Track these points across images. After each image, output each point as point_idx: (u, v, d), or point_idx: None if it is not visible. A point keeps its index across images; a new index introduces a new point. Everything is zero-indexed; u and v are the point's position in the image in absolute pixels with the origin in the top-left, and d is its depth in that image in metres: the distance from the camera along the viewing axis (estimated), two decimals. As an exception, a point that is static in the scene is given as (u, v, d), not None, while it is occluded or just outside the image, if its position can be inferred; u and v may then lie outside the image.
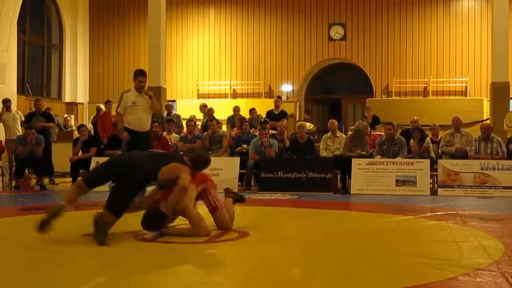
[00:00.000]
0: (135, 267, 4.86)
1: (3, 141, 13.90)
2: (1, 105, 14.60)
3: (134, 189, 6.18)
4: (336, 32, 20.61)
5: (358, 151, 12.00)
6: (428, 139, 12.34)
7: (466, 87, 19.62)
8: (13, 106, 15.41)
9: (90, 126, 15.84)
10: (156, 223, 6.19)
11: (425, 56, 19.97)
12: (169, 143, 12.78)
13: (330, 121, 13.32)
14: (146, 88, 10.18)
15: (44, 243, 6.03)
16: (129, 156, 6.79)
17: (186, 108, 19.17)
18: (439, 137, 12.84)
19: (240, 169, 12.25)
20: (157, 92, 16.47)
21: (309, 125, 14.87)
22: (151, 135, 10.60)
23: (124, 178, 6.08)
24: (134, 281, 4.43)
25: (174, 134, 14.07)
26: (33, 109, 14.91)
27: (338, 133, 12.92)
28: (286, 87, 20.96)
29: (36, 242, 6.11)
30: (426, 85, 19.85)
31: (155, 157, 6.67)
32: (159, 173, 6.19)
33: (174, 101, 19.98)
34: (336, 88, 22.62)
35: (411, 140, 12.35)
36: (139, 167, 6.13)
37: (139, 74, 10.02)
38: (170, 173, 6.22)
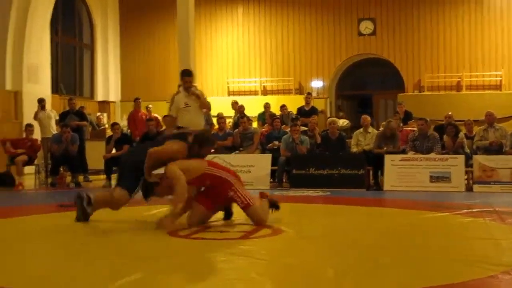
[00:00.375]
0: (170, 262, 4.90)
1: (39, 139, 14.10)
2: (37, 104, 14.84)
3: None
4: (366, 27, 20.49)
5: (385, 148, 11.87)
6: (462, 135, 12.21)
7: (500, 81, 19.33)
8: (48, 105, 15.62)
9: (123, 124, 16.00)
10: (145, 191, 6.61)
11: (458, 50, 19.73)
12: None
13: (362, 116, 13.24)
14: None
15: (80, 237, 6.13)
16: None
17: (216, 105, 19.17)
18: (474, 133, 12.69)
19: (271, 166, 12.25)
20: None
21: (343, 122, 14.81)
22: None
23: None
24: (169, 277, 4.47)
25: (206, 132, 14.10)
26: (67, 108, 15.11)
27: (370, 129, 12.84)
28: (316, 83, 20.90)
29: (74, 236, 6.21)
30: (459, 80, 19.61)
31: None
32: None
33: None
34: (367, 84, 22.50)
35: (445, 136, 12.24)
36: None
37: (184, 75, 9.88)
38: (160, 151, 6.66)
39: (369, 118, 13.13)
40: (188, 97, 9.71)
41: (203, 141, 6.96)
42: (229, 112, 16.93)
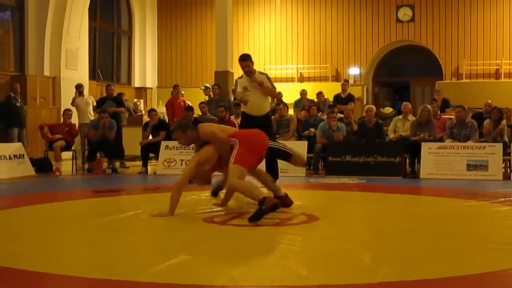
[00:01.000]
0: (206, 249, 4.92)
1: (76, 125, 14.25)
2: (74, 90, 15.03)
3: None
4: (404, 13, 20.27)
5: (422, 135, 11.74)
6: (504, 122, 12.01)
7: (540, 68, 19.01)
8: (85, 91, 15.79)
9: (160, 110, 16.09)
10: None
11: (497, 37, 19.41)
12: (237, 127, 12.82)
13: (404, 103, 13.07)
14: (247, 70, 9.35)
15: (117, 223, 6.20)
16: None
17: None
18: (513, 121, 12.50)
19: (307, 153, 12.22)
20: (224, 77, 16.62)
21: (387, 109, 14.68)
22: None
23: None
24: (206, 263, 4.49)
25: (242, 118, 14.09)
26: (105, 94, 15.25)
27: (410, 117, 12.68)
28: (353, 70, 20.77)
29: (111, 221, 6.29)
30: (498, 67, 19.31)
31: None
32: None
33: (241, 85, 19.98)
34: (404, 71, 22.26)
35: (486, 121, 12.06)
36: None
37: (240, 60, 9.57)
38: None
39: (410, 105, 12.98)
40: (249, 81, 9.42)
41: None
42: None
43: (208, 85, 16.99)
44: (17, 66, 16.88)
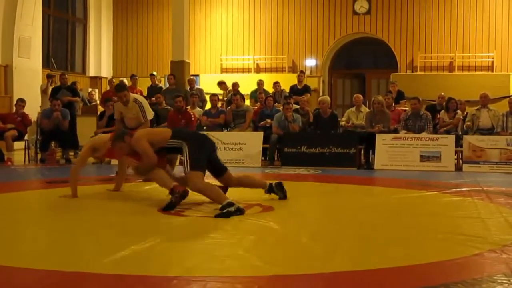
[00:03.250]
0: (160, 239, 4.88)
1: (32, 115, 14.00)
2: (28, 79, 14.81)
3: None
4: (361, 6, 20.42)
5: (377, 127, 11.87)
6: (460, 112, 12.23)
7: (492, 62, 19.36)
8: (38, 80, 15.56)
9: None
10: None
11: (451, 31, 19.71)
12: (193, 118, 12.77)
13: (355, 95, 13.24)
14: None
15: (69, 214, 6.14)
16: None
17: (209, 82, 19.13)
18: (466, 113, 12.72)
19: (263, 143, 12.25)
20: (180, 67, 16.52)
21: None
22: None
23: None
24: (158, 253, 4.47)
25: (198, 109, 14.07)
26: (58, 83, 15.04)
27: (363, 108, 12.83)
28: (310, 62, 20.86)
29: (63, 212, 6.22)
30: (452, 60, 19.62)
31: None
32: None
33: (197, 75, 19.91)
34: (361, 63, 22.44)
35: (441, 112, 12.25)
36: None
37: (116, 90, 9.40)
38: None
39: (361, 97, 13.14)
40: (124, 109, 9.20)
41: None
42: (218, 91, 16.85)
43: (154, 73, 16.87)
44: (-32, 54, 16.53)
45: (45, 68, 18.37)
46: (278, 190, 7.11)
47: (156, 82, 16.46)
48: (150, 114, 9.33)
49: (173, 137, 6.77)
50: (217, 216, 5.95)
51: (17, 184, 9.39)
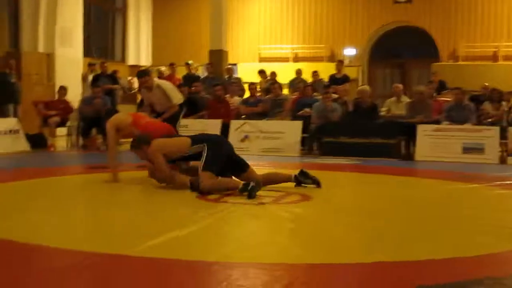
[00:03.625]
0: (199, 225, 4.87)
1: (77, 101, 14.16)
2: (69, 67, 15.01)
3: None
4: (402, -6, 20.16)
5: (418, 118, 11.70)
6: (504, 103, 11.98)
7: (539, 51, 18.92)
8: (79, 69, 15.76)
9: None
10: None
11: (496, 19, 19.30)
12: (232, 106, 12.79)
13: (394, 85, 13.08)
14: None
15: (111, 198, 6.18)
16: None
17: (247, 71, 19.10)
18: (510, 104, 12.47)
19: (302, 133, 12.18)
20: (219, 56, 16.54)
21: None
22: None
23: None
24: (198, 239, 4.47)
25: (236, 98, 14.06)
26: (99, 72, 15.19)
27: (403, 98, 12.66)
28: (349, 51, 20.68)
29: (104, 197, 6.27)
30: (496, 50, 19.22)
31: None
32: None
33: (235, 64, 19.90)
34: (401, 52, 22.16)
35: (486, 103, 12.02)
36: None
37: (137, 77, 9.59)
38: None
39: (401, 86, 12.95)
40: (149, 93, 9.23)
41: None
42: (259, 79, 16.82)
43: (189, 61, 16.83)
44: (12, 43, 16.75)
45: (86, 56, 18.54)
46: (304, 178, 7.05)
47: (192, 70, 16.43)
48: (178, 99, 9.36)
49: (193, 143, 6.81)
50: (242, 192, 6.15)
51: (60, 169, 9.54)
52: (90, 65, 15.29)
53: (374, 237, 4.67)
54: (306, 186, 7.04)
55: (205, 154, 6.61)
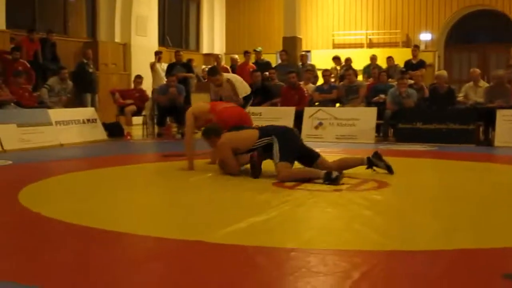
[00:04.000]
0: (276, 212, 4.90)
1: (148, 90, 14.41)
2: (144, 56, 15.26)
3: None
4: (480, -24, 19.61)
5: (497, 102, 11.37)
6: None
7: None
8: (154, 58, 15.99)
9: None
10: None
11: None
12: (306, 94, 12.75)
13: (471, 70, 12.74)
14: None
15: (187, 186, 6.27)
16: None
17: (321, 58, 19.00)
18: None
19: (377, 119, 12.04)
20: (293, 42, 16.49)
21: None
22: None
23: None
24: (276, 226, 4.49)
25: (311, 85, 14.01)
26: (173, 61, 15.39)
27: (481, 83, 12.32)
28: (425, 36, 20.29)
29: (180, 184, 6.37)
30: None
31: None
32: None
33: (309, 51, 19.81)
34: (478, 36, 21.57)
35: None
36: None
37: (208, 75, 9.91)
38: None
39: (478, 71, 12.58)
40: (219, 88, 9.60)
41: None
42: (333, 65, 16.70)
43: (258, 48, 16.78)
44: (89, 33, 17.17)
45: (161, 45, 18.83)
46: (377, 160, 6.98)
47: (262, 57, 16.33)
48: (244, 92, 9.50)
49: (261, 136, 6.84)
50: (328, 183, 6.15)
51: (136, 157, 9.74)
52: (156, 53, 15.46)
53: (455, 223, 4.58)
54: (375, 170, 7.03)
55: (277, 146, 6.64)
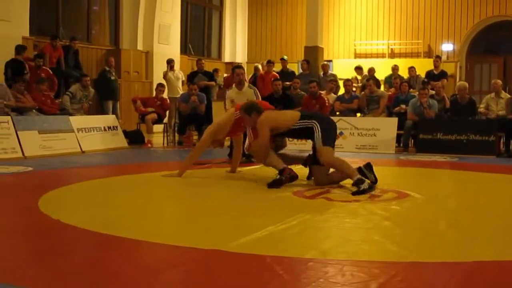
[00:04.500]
0: (295, 222, 4.91)
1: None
2: (166, 64, 15.33)
3: None
4: (503, -13, 19.48)
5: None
6: None
7: None
8: (176, 66, 16.08)
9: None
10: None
11: None
12: (327, 103, 12.73)
13: (493, 81, 12.65)
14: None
15: (208, 193, 6.29)
16: None
17: (343, 68, 18.99)
18: None
19: (398, 129, 12.01)
20: (314, 52, 16.51)
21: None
22: None
23: None
24: (294, 236, 4.50)
25: (332, 94, 14.00)
26: (195, 69, 15.46)
27: (503, 94, 12.24)
28: (447, 46, 20.19)
29: (200, 192, 6.39)
30: None
31: None
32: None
33: (331, 61, 19.81)
34: (500, 48, 21.40)
35: None
36: None
37: (235, 67, 9.78)
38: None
39: (500, 82, 12.48)
40: (237, 94, 9.42)
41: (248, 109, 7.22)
42: (354, 74, 16.69)
43: (285, 57, 16.80)
44: (112, 40, 17.30)
45: (183, 54, 18.92)
46: (369, 171, 6.92)
47: (287, 66, 16.41)
48: None
49: (302, 118, 6.90)
50: (354, 194, 6.23)
51: (156, 165, 9.78)
52: (168, 62, 15.45)
53: (474, 235, 4.56)
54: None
55: (319, 130, 6.75)
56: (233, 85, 9.68)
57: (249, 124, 7.21)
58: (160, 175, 7.76)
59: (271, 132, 6.96)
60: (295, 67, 18.13)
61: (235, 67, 9.93)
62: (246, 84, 9.58)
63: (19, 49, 12.64)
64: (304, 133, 6.94)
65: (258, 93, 9.68)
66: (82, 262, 3.82)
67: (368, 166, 7.02)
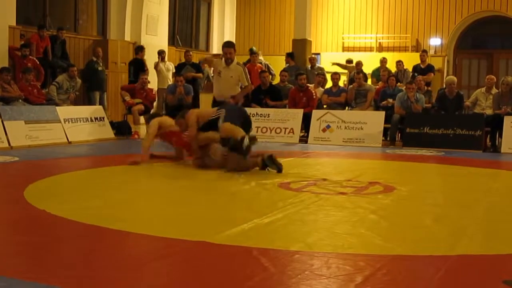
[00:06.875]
0: (281, 214, 4.92)
1: (154, 90, 14.45)
2: (154, 55, 15.29)
3: None
4: (491, -18, 19.54)
5: (504, 109, 11.33)
6: None
7: None
8: (165, 57, 16.02)
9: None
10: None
11: None
12: (314, 96, 12.74)
13: (488, 76, 12.62)
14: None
15: (192, 186, 6.28)
16: None
17: (330, 61, 18.98)
18: None
19: (385, 123, 12.03)
20: (302, 45, 16.49)
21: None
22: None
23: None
24: (280, 228, 4.51)
25: (320, 88, 14.01)
26: (183, 60, 15.42)
27: (494, 90, 12.25)
28: (434, 41, 20.25)
29: (185, 182, 6.39)
30: None
31: None
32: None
33: (319, 54, 19.82)
34: (488, 42, 21.50)
35: None
36: None
37: (224, 46, 9.95)
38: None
39: (494, 78, 12.45)
40: (225, 68, 9.69)
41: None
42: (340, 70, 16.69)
43: (253, 48, 16.63)
44: (99, 31, 17.21)
45: (171, 45, 18.85)
46: (271, 163, 7.40)
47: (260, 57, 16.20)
48: (248, 82, 9.89)
49: (218, 110, 7.80)
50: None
51: (143, 156, 9.70)
52: (159, 53, 15.47)
53: (459, 229, 4.59)
54: (269, 170, 7.37)
55: (224, 115, 7.54)
56: (222, 57, 9.74)
57: (183, 127, 7.92)
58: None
59: (198, 122, 7.66)
60: (283, 60, 18.09)
61: (223, 45, 9.97)
62: (235, 61, 9.64)
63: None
64: (216, 123, 7.59)
65: (247, 72, 9.75)
66: (68, 252, 3.81)
67: (270, 158, 7.43)
